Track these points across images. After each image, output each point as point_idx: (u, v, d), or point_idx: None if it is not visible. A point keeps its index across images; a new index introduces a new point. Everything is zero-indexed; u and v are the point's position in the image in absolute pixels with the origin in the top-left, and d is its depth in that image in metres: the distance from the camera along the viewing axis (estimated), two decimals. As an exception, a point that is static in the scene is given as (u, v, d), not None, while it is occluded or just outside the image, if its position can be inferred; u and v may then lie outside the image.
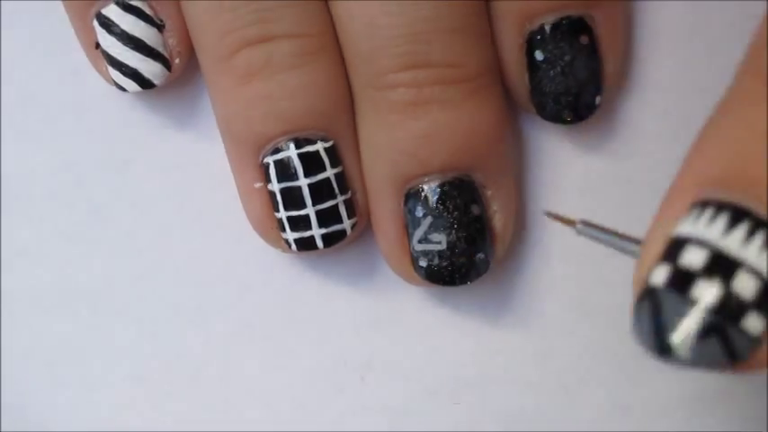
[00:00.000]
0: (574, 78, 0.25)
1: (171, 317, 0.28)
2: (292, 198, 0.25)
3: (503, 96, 0.25)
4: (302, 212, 0.25)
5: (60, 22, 0.27)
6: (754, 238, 0.17)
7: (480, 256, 0.25)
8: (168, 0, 0.26)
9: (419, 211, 0.25)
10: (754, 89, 0.18)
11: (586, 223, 0.21)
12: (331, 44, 0.25)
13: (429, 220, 0.25)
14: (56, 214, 0.28)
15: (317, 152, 0.25)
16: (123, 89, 0.26)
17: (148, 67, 0.26)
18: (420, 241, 0.25)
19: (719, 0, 0.26)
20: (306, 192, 0.25)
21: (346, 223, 0.25)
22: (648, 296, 0.18)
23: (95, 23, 0.26)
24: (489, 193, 0.25)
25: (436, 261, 0.25)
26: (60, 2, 0.27)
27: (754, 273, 0.17)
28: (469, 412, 0.27)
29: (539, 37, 0.25)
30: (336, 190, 0.25)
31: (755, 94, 0.18)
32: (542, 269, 0.27)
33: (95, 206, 0.28)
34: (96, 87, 0.27)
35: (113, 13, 0.25)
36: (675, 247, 0.18)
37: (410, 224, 0.25)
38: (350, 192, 0.25)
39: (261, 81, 0.25)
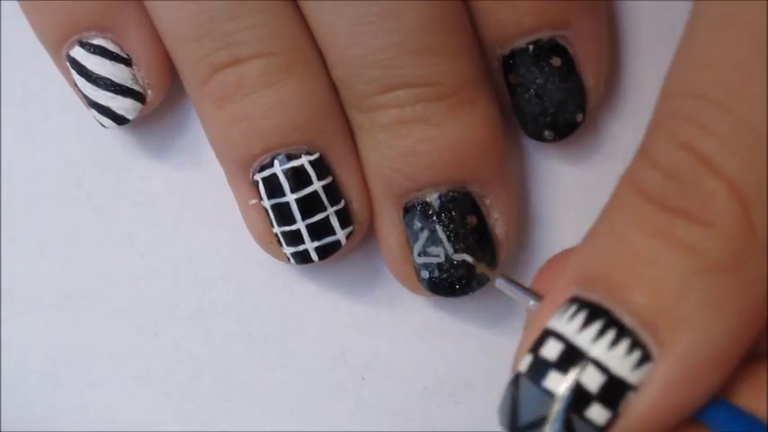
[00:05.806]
0: (549, 100, 0.25)
1: (171, 317, 0.28)
2: (283, 214, 0.25)
3: (491, 105, 0.25)
4: (293, 227, 0.25)
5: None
6: (605, 336, 0.19)
7: None
8: (133, 32, 0.25)
9: (416, 225, 0.25)
10: (624, 196, 0.20)
11: (506, 279, 0.23)
12: (304, 58, 0.25)
13: (426, 233, 0.25)
14: (56, 214, 0.28)
15: (302, 166, 0.25)
16: (103, 125, 0.26)
17: (119, 104, 0.26)
18: (420, 254, 0.25)
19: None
20: (294, 207, 0.25)
21: (339, 234, 0.25)
22: (514, 380, 0.20)
23: (67, 64, 0.26)
24: (488, 202, 0.25)
25: (436, 273, 0.25)
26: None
27: (601, 368, 0.19)
28: (469, 412, 0.27)
29: (510, 61, 0.25)
30: (326, 202, 0.25)
31: (624, 202, 0.20)
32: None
33: (95, 206, 0.28)
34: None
35: (78, 54, 0.25)
36: (542, 338, 0.19)
37: (410, 237, 0.25)
38: (343, 201, 0.25)
39: (235, 103, 0.25)
